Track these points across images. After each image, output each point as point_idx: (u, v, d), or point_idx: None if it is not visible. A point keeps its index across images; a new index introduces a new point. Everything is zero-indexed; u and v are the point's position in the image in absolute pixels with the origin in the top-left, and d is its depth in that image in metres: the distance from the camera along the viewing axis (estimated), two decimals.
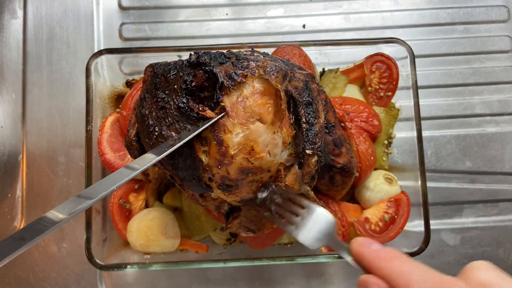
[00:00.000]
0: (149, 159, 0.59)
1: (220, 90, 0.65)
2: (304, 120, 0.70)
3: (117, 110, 1.06)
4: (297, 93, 0.71)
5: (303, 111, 0.70)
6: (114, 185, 0.53)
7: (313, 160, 0.70)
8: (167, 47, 0.99)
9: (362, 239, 0.64)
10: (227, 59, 0.69)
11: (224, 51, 0.72)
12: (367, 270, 0.61)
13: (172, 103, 0.68)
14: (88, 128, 0.95)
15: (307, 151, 0.70)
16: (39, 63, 1.17)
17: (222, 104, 0.65)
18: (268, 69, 0.68)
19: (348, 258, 0.65)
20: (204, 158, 0.67)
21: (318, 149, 0.71)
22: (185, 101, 0.66)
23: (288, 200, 0.75)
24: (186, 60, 0.70)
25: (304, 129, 0.70)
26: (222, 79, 0.65)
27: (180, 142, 0.64)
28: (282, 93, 0.68)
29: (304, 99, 0.71)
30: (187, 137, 0.64)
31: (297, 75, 0.73)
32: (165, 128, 0.68)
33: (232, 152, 0.65)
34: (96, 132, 0.98)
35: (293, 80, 0.72)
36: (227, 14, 1.21)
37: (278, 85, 0.68)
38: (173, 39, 1.20)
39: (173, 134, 0.67)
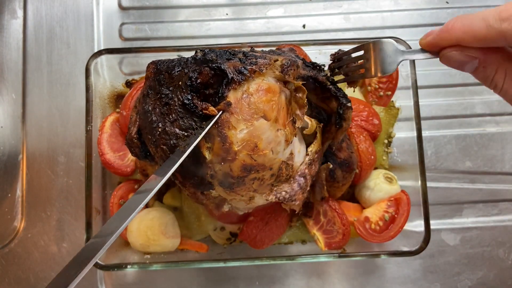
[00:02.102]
0: (158, 179, 0.60)
1: (227, 85, 0.65)
2: (333, 89, 0.78)
3: (117, 110, 1.06)
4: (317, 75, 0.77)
5: (329, 83, 0.79)
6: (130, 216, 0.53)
7: (351, 112, 0.80)
8: (167, 47, 0.99)
9: (425, 35, 0.66)
10: (233, 56, 0.69)
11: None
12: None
13: (176, 99, 0.67)
14: (88, 128, 0.95)
15: (348, 104, 0.78)
16: (39, 63, 1.17)
17: (227, 99, 0.65)
18: (284, 65, 0.70)
19: (425, 55, 0.67)
20: (207, 154, 0.67)
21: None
22: (190, 98, 0.66)
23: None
24: (192, 57, 0.70)
25: (336, 91, 0.78)
26: (232, 75, 0.65)
27: (181, 156, 0.65)
28: (288, 91, 0.70)
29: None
30: (189, 147, 0.65)
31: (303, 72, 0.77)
32: (168, 124, 0.68)
33: (236, 149, 0.65)
34: (96, 132, 0.98)
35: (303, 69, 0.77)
36: (227, 14, 1.22)
37: (295, 82, 0.72)
38: (173, 39, 1.20)
39: (177, 130, 0.67)
